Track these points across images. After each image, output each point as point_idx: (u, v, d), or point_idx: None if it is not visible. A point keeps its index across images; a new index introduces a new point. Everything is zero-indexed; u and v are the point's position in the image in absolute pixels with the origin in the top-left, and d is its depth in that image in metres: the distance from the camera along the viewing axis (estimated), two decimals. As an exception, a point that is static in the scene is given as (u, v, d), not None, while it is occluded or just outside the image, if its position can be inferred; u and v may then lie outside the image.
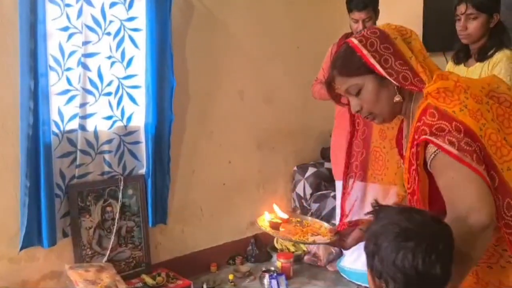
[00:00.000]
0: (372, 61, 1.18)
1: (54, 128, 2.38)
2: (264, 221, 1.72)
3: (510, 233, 1.08)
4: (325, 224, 1.71)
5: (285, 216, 1.84)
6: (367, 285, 1.36)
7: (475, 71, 2.15)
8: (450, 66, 2.33)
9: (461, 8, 2.12)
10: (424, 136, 1.13)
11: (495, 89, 1.19)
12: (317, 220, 1.84)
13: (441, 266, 0.94)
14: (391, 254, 0.94)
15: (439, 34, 2.98)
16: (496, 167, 1.09)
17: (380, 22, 2.69)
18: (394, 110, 1.26)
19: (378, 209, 1.05)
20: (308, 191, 3.44)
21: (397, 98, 1.22)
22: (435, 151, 1.10)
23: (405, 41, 1.22)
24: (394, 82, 1.18)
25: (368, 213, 1.09)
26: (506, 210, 1.08)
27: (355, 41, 1.22)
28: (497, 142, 1.10)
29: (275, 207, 1.84)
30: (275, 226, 1.77)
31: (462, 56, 2.24)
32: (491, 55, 2.12)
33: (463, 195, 1.06)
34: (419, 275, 0.93)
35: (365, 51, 1.19)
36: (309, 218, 1.90)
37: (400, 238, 0.95)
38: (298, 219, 1.86)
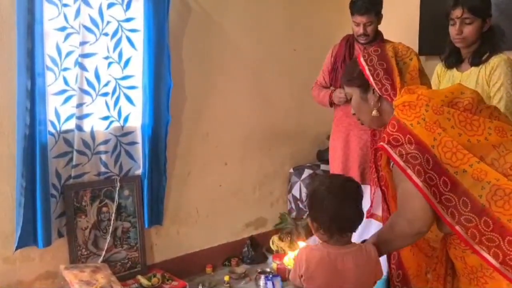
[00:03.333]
0: (368, 73, 1.46)
1: (50, 128, 2.37)
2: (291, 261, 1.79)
3: (470, 226, 1.23)
4: None
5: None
6: None
7: (471, 75, 2.16)
8: (440, 70, 2.34)
9: (457, 12, 2.12)
10: (381, 143, 1.34)
11: (459, 96, 1.36)
12: None
13: (353, 210, 1.41)
14: (320, 204, 1.41)
15: (435, 38, 3.00)
16: (448, 172, 1.26)
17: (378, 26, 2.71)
18: (374, 121, 1.52)
19: (313, 177, 1.51)
20: (304, 193, 3.45)
21: (374, 113, 1.48)
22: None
23: (401, 61, 1.45)
24: (378, 91, 1.44)
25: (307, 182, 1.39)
26: (463, 207, 1.24)
27: (361, 57, 1.50)
28: (453, 148, 1.27)
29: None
30: None
31: (454, 60, 2.24)
32: (486, 60, 2.13)
33: (411, 204, 1.29)
34: (339, 216, 1.39)
35: (364, 65, 1.47)
36: None
37: (326, 193, 1.41)
38: None
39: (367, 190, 2.43)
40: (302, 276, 1.43)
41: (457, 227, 1.24)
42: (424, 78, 1.47)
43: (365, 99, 1.50)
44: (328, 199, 1.41)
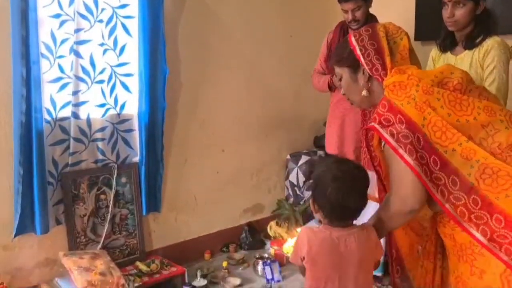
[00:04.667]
0: (359, 53, 1.46)
1: (46, 116, 2.37)
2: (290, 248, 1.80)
3: (459, 204, 1.24)
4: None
5: None
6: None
7: (465, 58, 2.16)
8: (435, 54, 2.34)
9: None
10: (372, 123, 1.35)
11: (449, 76, 1.37)
12: None
13: (357, 200, 1.40)
14: (324, 190, 1.39)
15: (431, 23, 2.98)
16: (438, 151, 1.27)
17: (373, 12, 2.70)
18: (364, 101, 1.52)
19: (321, 158, 1.57)
20: (301, 179, 3.47)
21: (364, 93, 1.49)
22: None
23: (392, 40, 1.45)
24: (368, 71, 1.44)
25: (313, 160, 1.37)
26: (452, 185, 1.26)
27: (352, 37, 1.50)
28: (442, 127, 1.28)
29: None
30: None
31: (448, 43, 2.25)
32: (480, 43, 2.12)
33: (403, 183, 1.32)
34: (341, 206, 1.39)
35: (355, 45, 1.47)
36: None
37: (331, 182, 1.39)
38: None
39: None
40: (304, 258, 1.42)
41: (446, 205, 1.26)
42: (414, 58, 1.47)
43: (355, 79, 1.50)
44: (332, 188, 1.39)
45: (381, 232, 1.47)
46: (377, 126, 1.34)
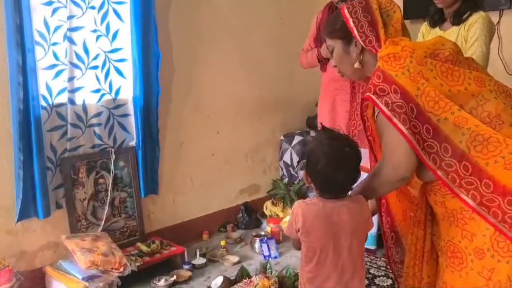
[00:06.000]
0: (352, 25, 1.47)
1: (42, 103, 2.41)
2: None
3: (451, 171, 1.30)
4: None
5: None
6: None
7: (452, 34, 2.22)
8: (425, 29, 2.40)
9: None
10: (368, 94, 1.37)
11: (440, 47, 1.41)
12: None
13: (345, 176, 1.46)
14: (315, 165, 1.46)
15: (420, 2, 3.03)
16: (430, 120, 1.31)
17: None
18: (356, 73, 1.55)
19: (317, 132, 1.55)
20: (295, 159, 3.54)
21: (356, 65, 1.51)
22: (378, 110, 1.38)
23: (385, 13, 1.46)
24: (361, 43, 1.46)
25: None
26: (444, 152, 1.30)
27: (345, 9, 1.50)
28: (435, 97, 1.32)
29: None
30: None
31: (437, 19, 2.31)
32: (466, 18, 2.19)
33: (395, 151, 1.35)
34: (331, 181, 1.46)
35: (348, 17, 1.47)
36: None
37: (322, 157, 1.45)
38: None
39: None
40: (299, 230, 1.48)
41: (438, 172, 1.31)
42: (405, 31, 1.50)
43: (347, 51, 1.52)
44: (322, 164, 1.44)
45: (369, 197, 1.53)
46: (372, 96, 1.36)
